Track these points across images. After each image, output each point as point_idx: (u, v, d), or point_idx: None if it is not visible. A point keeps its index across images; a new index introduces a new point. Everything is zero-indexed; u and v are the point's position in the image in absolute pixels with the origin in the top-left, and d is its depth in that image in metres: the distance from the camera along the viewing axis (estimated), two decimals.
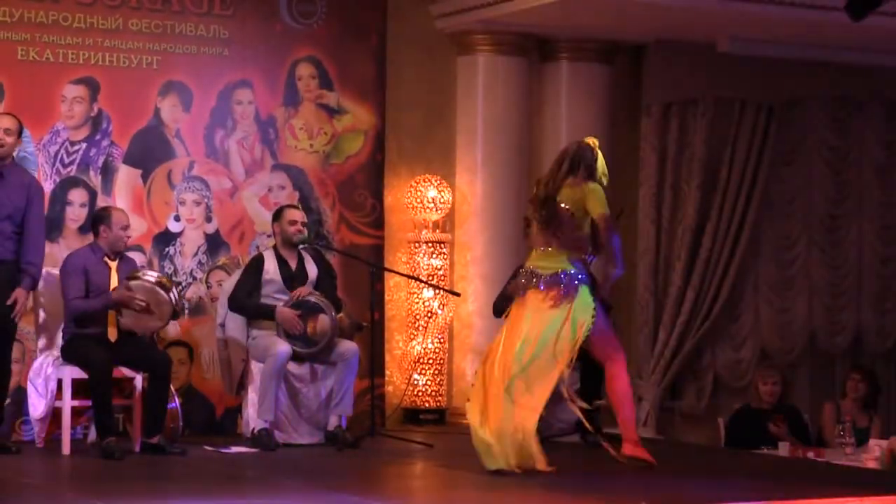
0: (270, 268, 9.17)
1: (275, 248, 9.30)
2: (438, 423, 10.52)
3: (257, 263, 9.23)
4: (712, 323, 11.51)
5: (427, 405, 10.59)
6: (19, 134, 8.67)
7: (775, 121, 11.61)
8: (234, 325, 9.26)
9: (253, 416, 9.04)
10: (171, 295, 8.68)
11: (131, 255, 9.21)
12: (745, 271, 11.66)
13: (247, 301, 9.12)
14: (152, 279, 8.68)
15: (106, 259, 8.76)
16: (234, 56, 10.14)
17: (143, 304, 8.55)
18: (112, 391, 8.52)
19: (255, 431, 8.95)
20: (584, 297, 7.80)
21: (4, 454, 8.46)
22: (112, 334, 8.65)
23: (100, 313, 8.64)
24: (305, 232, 9.28)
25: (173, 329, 9.73)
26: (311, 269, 9.28)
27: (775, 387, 10.16)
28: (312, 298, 9.06)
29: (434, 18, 10.85)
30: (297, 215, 9.31)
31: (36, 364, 8.85)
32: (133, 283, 8.64)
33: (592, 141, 8.05)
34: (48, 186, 9.52)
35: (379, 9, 10.67)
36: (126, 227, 8.80)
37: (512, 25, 10.70)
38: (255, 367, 9.09)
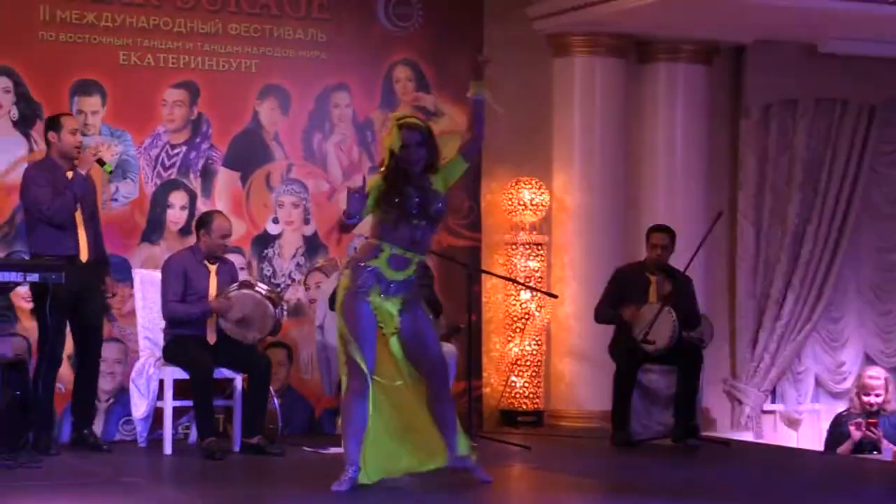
0: None
1: None
2: (536, 425, 10.48)
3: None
4: (813, 326, 11.38)
5: (524, 407, 10.56)
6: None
7: (876, 121, 11.46)
8: (333, 326, 9.27)
9: None
10: (278, 311, 8.74)
11: (231, 256, 9.30)
12: (845, 273, 11.52)
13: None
14: (263, 291, 8.73)
15: (205, 262, 8.84)
16: (332, 59, 10.19)
17: (239, 317, 8.61)
18: (212, 392, 8.58)
19: None
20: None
21: (98, 452, 8.57)
22: (211, 337, 8.73)
23: (199, 320, 8.73)
24: None
25: None
26: None
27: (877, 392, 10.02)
28: None
29: (531, 20, 10.81)
30: None
31: (138, 365, 8.95)
32: (245, 291, 8.69)
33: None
34: (149, 189, 9.64)
35: (476, 11, 10.66)
36: (226, 236, 8.88)
37: (609, 27, 10.65)
38: None
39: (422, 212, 7.12)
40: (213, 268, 8.85)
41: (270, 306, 8.69)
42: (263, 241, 9.95)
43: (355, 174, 10.22)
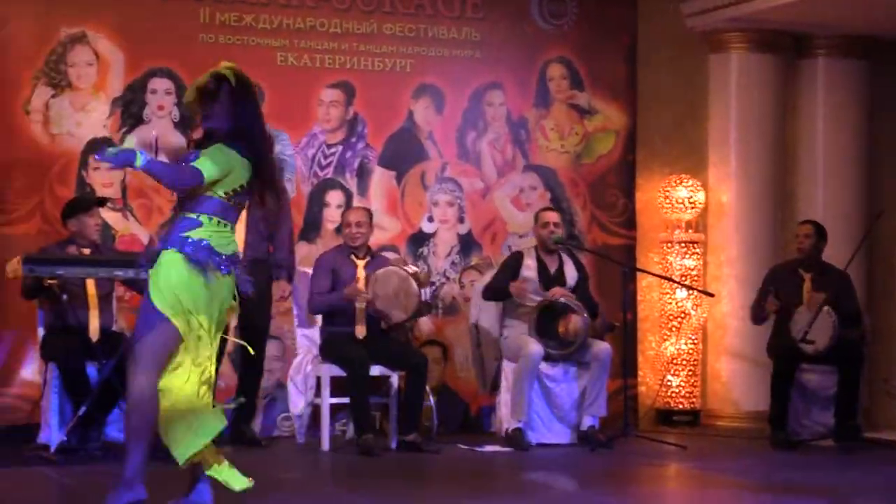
0: (529, 266, 9.18)
1: (536, 248, 9.30)
2: (692, 424, 10.39)
3: (517, 259, 9.26)
4: None
5: (680, 406, 10.47)
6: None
7: None
8: (488, 324, 9.31)
9: (506, 416, 9.07)
10: (423, 291, 8.75)
11: (386, 254, 9.36)
12: None
13: (501, 291, 9.13)
14: (409, 270, 8.78)
15: (352, 257, 8.91)
16: (486, 58, 10.22)
17: (368, 297, 8.64)
18: (369, 389, 8.65)
19: (509, 431, 8.97)
20: None
21: (256, 448, 8.69)
22: (360, 332, 8.79)
23: (348, 310, 8.80)
24: (558, 232, 9.24)
25: (427, 327, 9.86)
26: (570, 274, 9.25)
27: None
28: (569, 301, 9.03)
29: (685, 17, 10.71)
30: (550, 217, 9.30)
31: (296, 362, 9.07)
32: (390, 268, 8.75)
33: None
34: (306, 189, 9.76)
35: (630, 8, 10.63)
36: (358, 224, 8.90)
37: (766, 22, 10.49)
38: (508, 367, 9.12)
39: None
40: (361, 262, 8.91)
41: (415, 284, 8.69)
42: (418, 240, 10.02)
43: (510, 172, 10.26)
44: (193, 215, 5.77)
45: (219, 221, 5.79)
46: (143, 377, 5.68)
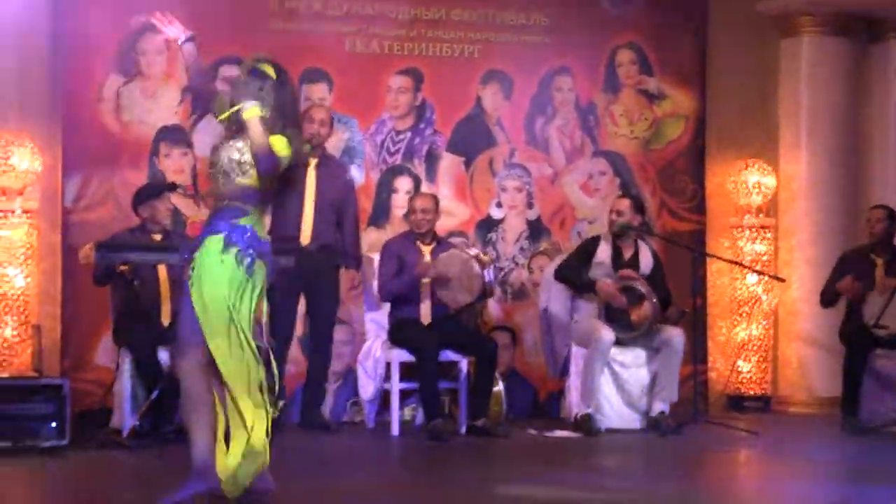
0: (603, 251, 9.15)
1: (613, 234, 9.25)
2: (763, 410, 10.33)
3: (592, 243, 9.24)
4: None
5: (751, 392, 10.42)
6: (331, 124, 8.95)
7: None
8: (558, 309, 9.29)
9: (576, 401, 9.05)
10: (486, 272, 8.74)
11: (454, 240, 9.37)
12: None
13: (572, 272, 9.12)
14: (471, 252, 8.78)
15: (419, 243, 8.93)
16: (555, 43, 10.19)
17: (446, 277, 8.64)
18: (438, 374, 8.67)
19: (578, 416, 8.96)
20: None
21: (326, 433, 8.73)
22: (425, 316, 8.80)
23: (413, 296, 8.82)
24: (621, 220, 9.17)
25: (496, 313, 9.86)
26: (645, 262, 9.21)
27: None
28: (638, 285, 9.00)
29: (756, 1, 10.63)
30: (616, 204, 9.26)
31: (365, 347, 9.10)
32: (452, 251, 8.77)
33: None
34: (375, 175, 9.79)
35: None
36: (424, 210, 8.91)
37: (838, 6, 10.40)
38: (578, 352, 9.10)
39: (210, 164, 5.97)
40: (427, 248, 8.93)
41: (477, 266, 8.69)
42: (487, 226, 10.02)
43: (578, 158, 10.24)
44: (238, 203, 5.80)
45: (256, 210, 5.84)
46: (184, 362, 5.71)
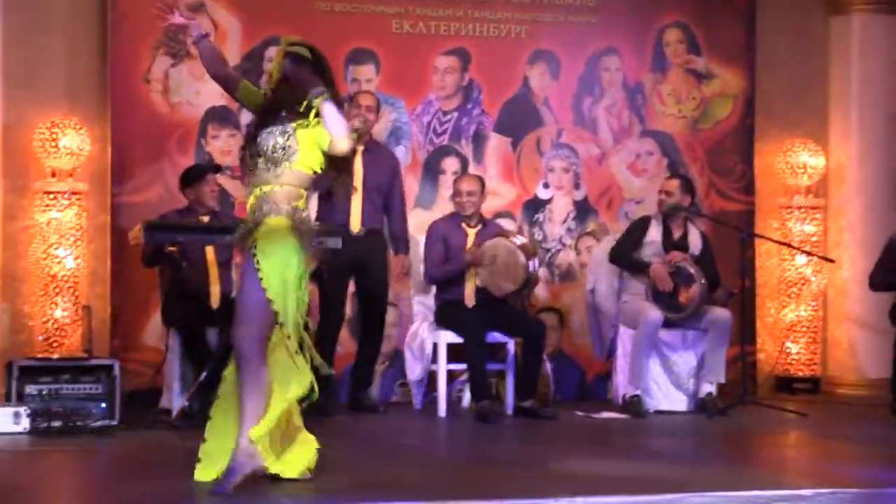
0: (654, 231, 9.12)
1: (663, 215, 9.21)
2: (812, 392, 10.27)
3: (642, 224, 9.22)
4: None
5: (800, 374, 10.36)
6: (378, 109, 8.95)
7: None
8: (605, 290, 9.27)
9: (623, 383, 9.04)
10: (531, 262, 8.72)
11: (501, 221, 9.36)
12: None
13: (626, 253, 9.10)
14: (518, 242, 8.76)
15: (464, 225, 8.92)
16: (602, 23, 10.15)
17: (491, 265, 8.64)
18: (486, 356, 8.66)
19: (626, 397, 8.94)
20: None
21: (374, 414, 8.74)
22: (469, 300, 8.80)
23: (459, 278, 8.81)
24: (670, 201, 9.13)
25: (543, 294, 9.85)
26: (695, 242, 9.16)
27: None
28: (687, 266, 8.96)
29: None
30: (665, 185, 9.23)
31: (412, 328, 9.11)
32: (498, 239, 8.75)
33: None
34: (421, 156, 9.79)
35: None
36: (469, 192, 8.89)
37: None
38: (626, 333, 9.08)
39: (254, 149, 5.96)
40: (472, 230, 8.91)
41: (522, 256, 8.66)
42: (534, 206, 10.00)
43: (626, 138, 10.20)
44: (293, 186, 5.83)
45: (304, 195, 5.89)
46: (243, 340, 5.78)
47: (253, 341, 5.77)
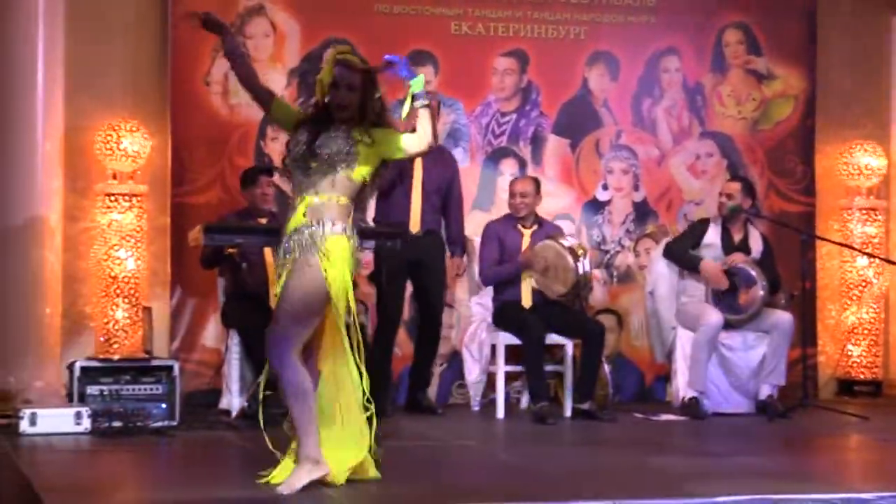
0: (713, 234, 9.07)
1: (723, 218, 9.16)
2: (874, 395, 10.18)
3: (702, 225, 9.19)
4: None
5: (862, 376, 10.28)
6: (438, 112, 8.95)
7: None
8: (664, 292, 9.23)
9: (682, 385, 8.99)
10: (580, 264, 8.67)
11: (560, 223, 9.34)
12: None
13: (680, 250, 9.06)
14: (566, 244, 8.72)
15: (519, 226, 8.90)
16: (661, 24, 10.11)
17: (542, 267, 8.62)
18: (544, 357, 8.64)
19: (685, 399, 8.90)
20: None
21: (432, 416, 8.75)
22: (525, 300, 8.78)
23: (514, 279, 8.80)
24: (730, 203, 9.07)
25: (601, 296, 9.82)
26: (756, 245, 9.11)
27: None
28: (747, 267, 8.91)
29: None
30: (726, 187, 9.18)
31: (470, 330, 9.11)
32: (547, 241, 8.73)
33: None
34: (479, 157, 9.78)
35: None
36: (523, 194, 8.88)
37: None
38: (684, 335, 9.03)
39: (309, 153, 5.87)
40: (527, 231, 8.90)
41: (570, 259, 8.63)
42: (593, 208, 9.97)
43: (685, 139, 10.15)
44: (348, 199, 5.84)
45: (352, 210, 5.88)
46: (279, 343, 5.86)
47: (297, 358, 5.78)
